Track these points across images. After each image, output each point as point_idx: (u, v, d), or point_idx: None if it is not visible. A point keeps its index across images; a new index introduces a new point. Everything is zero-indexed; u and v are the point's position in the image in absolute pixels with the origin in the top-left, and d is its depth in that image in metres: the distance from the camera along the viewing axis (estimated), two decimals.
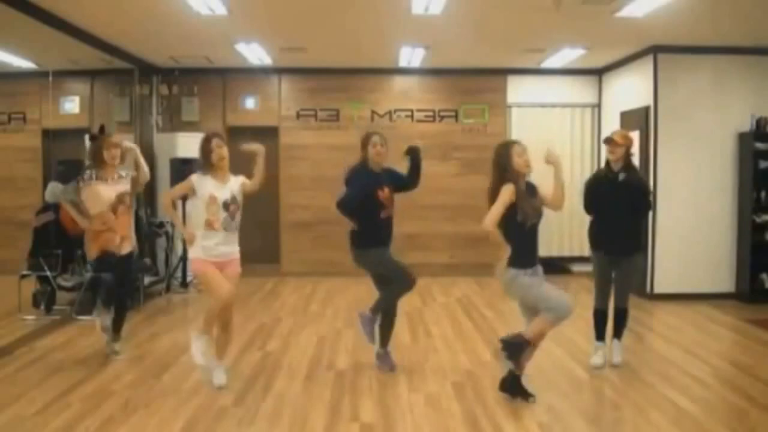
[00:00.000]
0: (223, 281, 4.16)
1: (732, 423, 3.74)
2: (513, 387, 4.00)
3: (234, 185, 4.25)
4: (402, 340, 5.57)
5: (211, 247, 4.16)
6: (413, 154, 4.65)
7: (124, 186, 4.81)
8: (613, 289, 4.83)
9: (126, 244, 4.86)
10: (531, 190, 3.95)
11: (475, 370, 4.66)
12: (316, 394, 4.17)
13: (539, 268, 3.97)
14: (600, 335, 4.81)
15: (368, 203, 4.41)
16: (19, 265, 6.15)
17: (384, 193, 4.46)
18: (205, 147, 4.19)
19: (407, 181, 4.70)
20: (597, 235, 4.77)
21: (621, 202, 4.58)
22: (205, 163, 4.19)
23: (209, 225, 4.13)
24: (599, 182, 4.78)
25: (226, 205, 4.15)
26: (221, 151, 4.18)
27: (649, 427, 3.67)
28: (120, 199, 4.75)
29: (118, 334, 4.98)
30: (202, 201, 4.14)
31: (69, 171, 5.22)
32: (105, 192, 4.70)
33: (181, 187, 4.31)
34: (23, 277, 6.05)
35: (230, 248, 4.26)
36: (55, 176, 6.64)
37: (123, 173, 4.83)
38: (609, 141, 4.66)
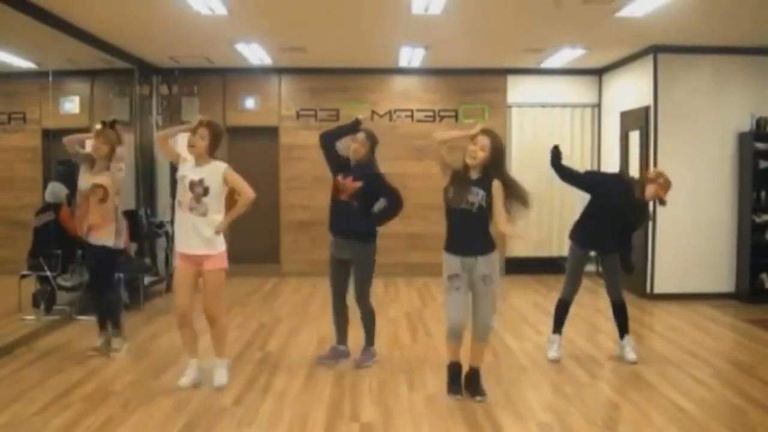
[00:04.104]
0: (179, 291, 4.22)
1: (732, 423, 3.74)
2: (452, 379, 4.17)
3: (208, 171, 4.17)
4: (402, 340, 5.58)
5: (178, 231, 4.21)
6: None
7: (102, 178, 4.86)
8: (605, 287, 5.00)
9: (94, 234, 4.89)
10: (476, 181, 3.93)
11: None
12: (316, 394, 4.18)
13: (479, 262, 3.92)
14: (558, 328, 4.96)
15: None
16: (19, 265, 6.14)
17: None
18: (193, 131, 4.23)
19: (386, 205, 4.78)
20: (588, 235, 4.85)
21: (624, 212, 4.71)
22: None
23: (179, 204, 4.17)
24: (612, 185, 4.86)
25: (191, 186, 4.12)
26: (197, 140, 4.16)
27: (649, 427, 3.67)
28: (92, 190, 4.85)
29: (103, 329, 5.03)
30: (179, 179, 4.20)
31: (69, 171, 5.23)
32: (86, 179, 4.90)
33: (176, 131, 4.46)
34: (23, 277, 6.04)
35: (200, 241, 4.15)
36: (55, 176, 6.64)
37: (113, 166, 4.93)
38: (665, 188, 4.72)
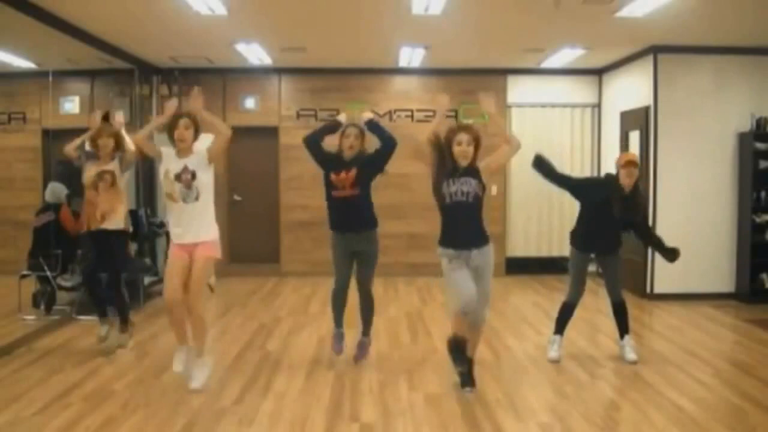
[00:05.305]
0: (171, 279, 4.18)
1: (732, 423, 3.74)
2: (456, 351, 4.13)
3: (190, 158, 4.19)
4: (402, 340, 5.58)
5: (174, 225, 4.23)
6: (370, 127, 4.71)
7: (109, 165, 4.98)
8: (605, 287, 4.99)
9: (109, 219, 4.98)
10: (464, 171, 4.02)
11: (475, 369, 4.65)
12: (316, 394, 4.18)
13: (471, 253, 4.00)
14: (560, 329, 4.97)
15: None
16: (19, 265, 6.15)
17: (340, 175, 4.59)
18: (171, 124, 4.22)
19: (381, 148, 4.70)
20: (586, 238, 4.86)
21: (623, 218, 4.69)
22: (169, 137, 4.24)
23: (169, 197, 4.20)
24: (600, 188, 4.85)
25: (177, 177, 4.15)
26: (185, 132, 4.17)
27: (649, 427, 3.67)
28: (99, 176, 4.94)
29: (124, 324, 5.18)
30: (161, 176, 4.24)
31: (69, 171, 5.26)
32: (91, 171, 4.96)
33: (151, 127, 4.54)
34: (23, 277, 6.05)
35: (195, 228, 4.20)
36: (55, 176, 6.64)
37: (117, 154, 5.02)
38: (630, 164, 4.65)
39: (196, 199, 4.17)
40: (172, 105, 4.34)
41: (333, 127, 4.72)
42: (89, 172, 4.97)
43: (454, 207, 4.00)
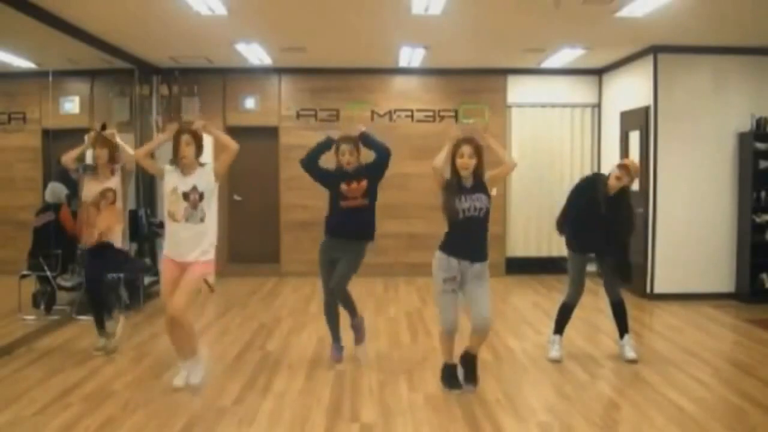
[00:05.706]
0: (169, 295, 4.12)
1: (732, 423, 3.74)
2: (448, 378, 4.25)
3: (198, 177, 4.15)
4: (402, 340, 5.58)
5: (172, 243, 4.17)
6: (364, 141, 4.70)
7: (111, 182, 4.94)
8: (604, 287, 5.01)
9: (107, 236, 4.95)
10: (474, 187, 4.06)
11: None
12: (316, 394, 4.18)
13: (475, 267, 4.04)
14: (560, 329, 4.98)
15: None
16: (19, 265, 6.15)
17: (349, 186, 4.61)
18: (173, 141, 4.17)
19: (376, 159, 4.71)
20: (578, 239, 4.91)
21: (608, 216, 4.73)
22: (173, 156, 4.18)
23: (171, 216, 4.13)
24: (586, 186, 4.91)
25: (185, 196, 4.10)
26: (186, 149, 4.12)
27: (649, 427, 3.67)
28: (102, 194, 4.90)
29: (102, 329, 5.07)
30: (166, 192, 4.18)
31: (68, 171, 5.26)
32: (91, 187, 4.92)
33: (156, 144, 4.50)
34: (23, 277, 6.04)
35: (195, 250, 4.13)
36: (55, 176, 6.64)
37: (117, 166, 4.97)
38: (623, 168, 4.69)
39: (201, 220, 4.12)
40: (172, 127, 4.25)
41: (326, 144, 4.69)
42: (89, 188, 4.93)
43: (467, 222, 4.02)
